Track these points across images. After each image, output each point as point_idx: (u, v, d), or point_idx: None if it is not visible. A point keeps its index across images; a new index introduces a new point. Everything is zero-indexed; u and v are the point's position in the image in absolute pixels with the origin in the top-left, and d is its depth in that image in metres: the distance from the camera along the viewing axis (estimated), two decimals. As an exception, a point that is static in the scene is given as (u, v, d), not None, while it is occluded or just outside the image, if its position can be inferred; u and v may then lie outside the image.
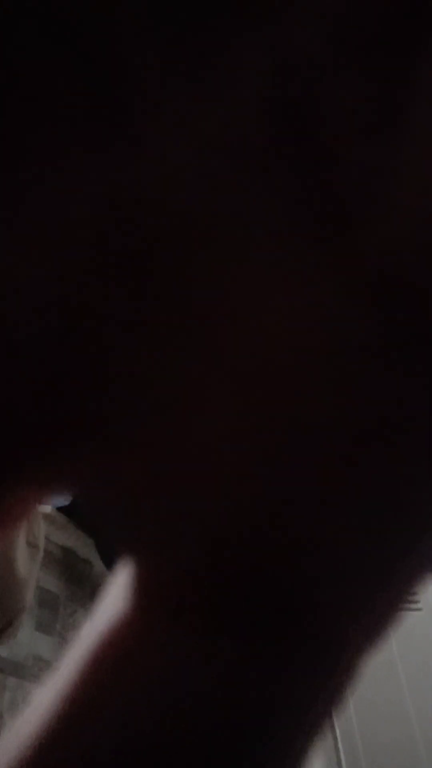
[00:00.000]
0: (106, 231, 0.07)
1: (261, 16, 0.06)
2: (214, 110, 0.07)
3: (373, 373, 0.08)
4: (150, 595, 0.09)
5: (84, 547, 1.58)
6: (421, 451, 0.08)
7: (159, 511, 0.08)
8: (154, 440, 0.08)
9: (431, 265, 0.07)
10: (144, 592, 0.09)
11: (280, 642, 0.08)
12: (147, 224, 0.07)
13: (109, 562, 1.42)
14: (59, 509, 1.38)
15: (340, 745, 1.16)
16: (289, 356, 0.07)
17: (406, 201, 0.07)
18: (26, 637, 1.61)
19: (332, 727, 1.14)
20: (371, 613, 0.09)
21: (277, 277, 0.07)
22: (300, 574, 0.08)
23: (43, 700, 0.09)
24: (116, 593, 0.09)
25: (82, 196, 0.07)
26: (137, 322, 0.07)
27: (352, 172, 0.07)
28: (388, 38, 0.06)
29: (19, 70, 0.06)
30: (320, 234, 0.07)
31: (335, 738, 1.19)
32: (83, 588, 1.70)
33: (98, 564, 1.61)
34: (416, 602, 1.30)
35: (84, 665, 0.09)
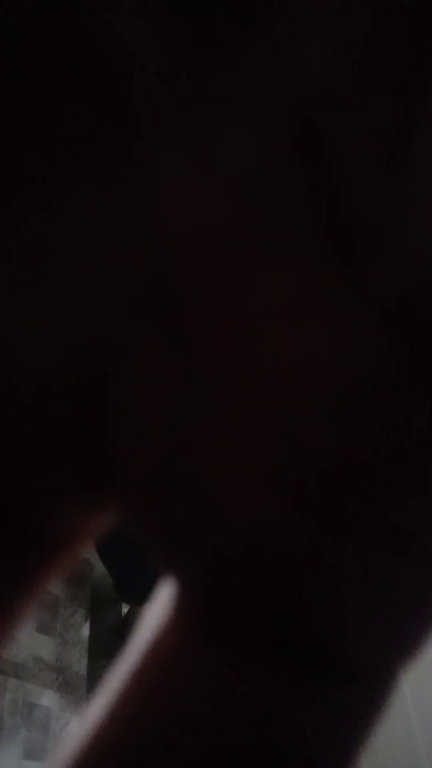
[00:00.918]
0: (126, 265, 0.07)
1: (274, 44, 0.06)
2: (227, 139, 0.07)
3: (392, 403, 0.08)
4: (187, 615, 0.09)
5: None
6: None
7: (192, 536, 0.08)
8: (186, 472, 0.08)
9: None
10: (182, 611, 0.09)
11: (313, 668, 0.09)
12: (166, 257, 0.07)
13: (109, 564, 1.42)
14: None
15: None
16: (311, 387, 0.08)
17: (416, 234, 0.07)
18: (26, 639, 1.61)
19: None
20: (402, 642, 0.09)
21: (298, 308, 0.07)
22: (327, 600, 0.08)
23: (90, 717, 0.09)
24: (158, 612, 0.09)
25: (93, 228, 0.07)
26: (156, 356, 0.07)
27: (365, 201, 0.07)
28: (404, 68, 0.06)
29: (33, 105, 0.06)
30: (335, 264, 0.07)
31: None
32: (83, 589, 1.70)
33: (98, 565, 1.61)
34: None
35: (127, 684, 0.09)
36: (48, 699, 1.58)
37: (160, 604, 0.09)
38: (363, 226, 0.07)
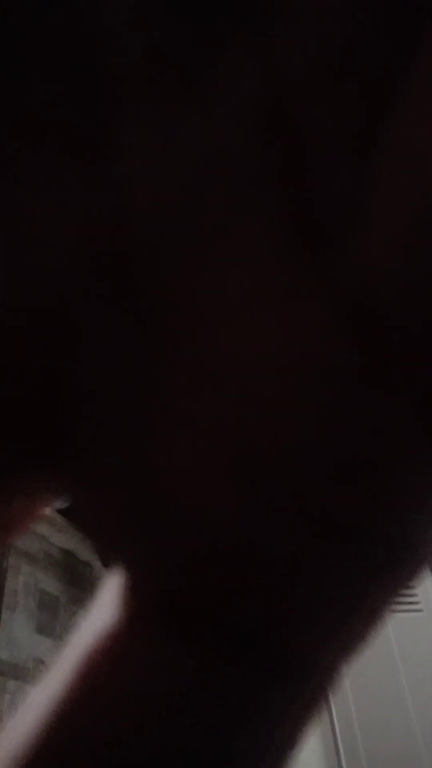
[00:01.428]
0: (86, 239, 0.07)
1: (252, 32, 0.06)
2: (200, 122, 0.07)
3: (353, 394, 0.07)
4: (137, 602, 0.09)
5: (84, 549, 1.58)
6: (396, 481, 0.08)
7: (142, 523, 0.08)
8: (137, 455, 0.08)
9: (401, 291, 0.07)
10: (132, 599, 0.09)
11: (257, 657, 0.09)
12: (127, 233, 0.07)
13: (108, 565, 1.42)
14: (59, 511, 1.38)
15: (340, 745, 1.16)
16: (268, 375, 0.07)
17: (382, 222, 0.07)
18: (26, 640, 1.61)
19: (332, 726, 1.14)
20: (342, 634, 0.09)
21: (258, 293, 0.07)
22: (273, 594, 0.08)
23: (36, 701, 0.09)
24: (107, 599, 0.09)
25: (62, 202, 0.07)
26: (115, 334, 0.07)
27: (330, 190, 0.07)
28: (374, 61, 0.06)
29: (3, 79, 0.06)
30: (302, 252, 0.07)
31: (335, 738, 1.19)
32: (84, 590, 1.70)
33: (98, 566, 1.61)
34: (417, 603, 1.30)
35: (76, 668, 0.09)
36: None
37: (108, 594, 0.09)
38: (328, 214, 0.07)
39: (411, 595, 1.27)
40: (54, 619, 1.72)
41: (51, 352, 0.07)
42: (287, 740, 0.09)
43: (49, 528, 1.43)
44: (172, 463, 0.08)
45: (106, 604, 0.09)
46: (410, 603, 1.26)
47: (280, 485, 0.08)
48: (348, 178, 0.07)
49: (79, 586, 1.70)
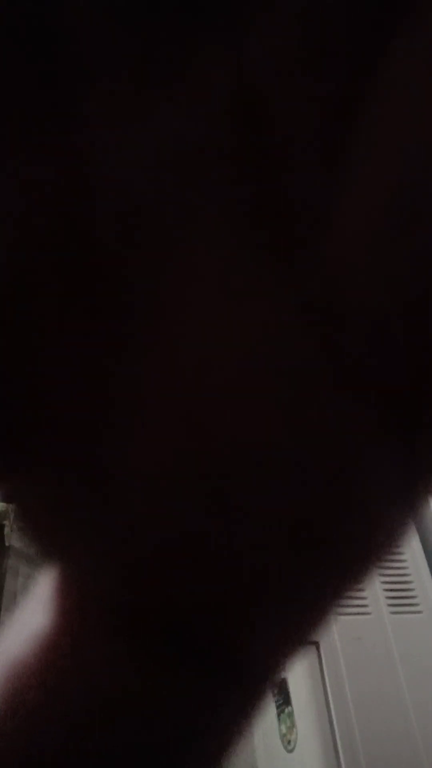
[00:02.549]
0: (44, 210, 0.07)
1: (223, 27, 0.06)
2: (168, 110, 0.06)
3: (317, 396, 0.07)
4: (78, 602, 0.09)
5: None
6: (360, 483, 0.08)
7: (90, 523, 0.08)
8: (89, 454, 0.07)
9: (368, 293, 0.07)
10: (73, 598, 0.09)
11: (207, 660, 0.08)
12: (87, 208, 0.07)
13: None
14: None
15: (339, 745, 1.16)
16: (231, 376, 0.07)
17: (350, 224, 0.07)
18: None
19: (332, 727, 1.13)
20: (291, 637, 0.09)
21: (223, 291, 0.07)
22: (224, 599, 0.08)
23: None
24: (41, 599, 0.09)
25: (17, 169, 0.06)
26: (69, 322, 0.07)
27: (300, 191, 0.07)
28: (342, 64, 0.06)
29: None
30: (269, 251, 0.07)
31: (334, 738, 1.19)
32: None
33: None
34: (416, 605, 1.29)
35: (10, 665, 0.09)
36: None
37: (42, 594, 0.09)
38: (296, 214, 0.07)
39: (410, 597, 1.26)
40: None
41: (3, 348, 0.07)
42: (231, 738, 0.09)
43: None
44: (125, 462, 0.08)
45: (39, 604, 0.09)
46: (410, 604, 1.26)
47: (234, 486, 0.08)
48: (318, 177, 0.07)
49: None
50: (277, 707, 1.16)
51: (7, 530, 1.37)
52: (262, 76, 0.06)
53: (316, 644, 1.13)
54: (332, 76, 0.06)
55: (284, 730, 1.14)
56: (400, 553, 1.30)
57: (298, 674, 1.13)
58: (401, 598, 1.26)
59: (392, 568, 1.29)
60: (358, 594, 1.22)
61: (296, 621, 0.08)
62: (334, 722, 1.13)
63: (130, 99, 0.06)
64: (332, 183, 0.07)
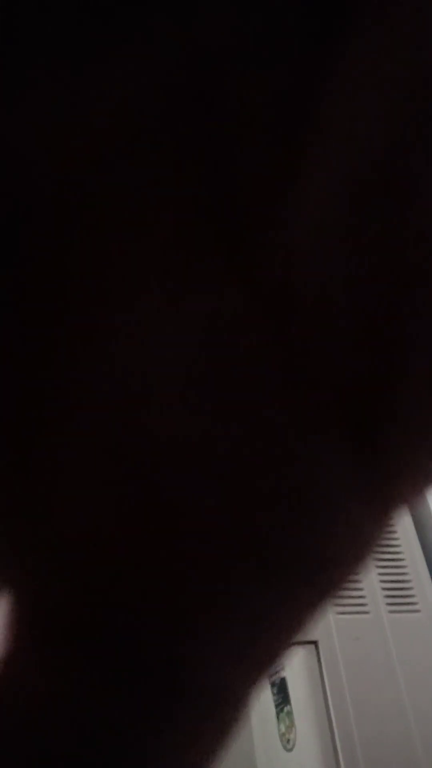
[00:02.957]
0: None
1: (168, 4, 0.06)
2: (117, 86, 0.06)
3: (272, 391, 0.07)
4: (18, 621, 0.08)
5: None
6: (316, 486, 0.07)
7: (23, 542, 0.08)
8: (19, 471, 0.07)
9: (324, 284, 0.07)
10: (13, 617, 0.08)
11: (160, 677, 0.08)
12: (23, 185, 0.06)
13: None
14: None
15: (338, 746, 1.16)
16: (179, 372, 0.07)
17: (303, 209, 0.06)
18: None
19: (330, 727, 1.13)
20: (255, 654, 0.08)
21: (171, 281, 0.07)
22: (174, 615, 0.08)
23: None
24: None
25: None
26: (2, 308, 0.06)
27: (252, 177, 0.06)
28: (295, 43, 0.06)
29: None
30: (221, 240, 0.07)
31: (333, 739, 1.19)
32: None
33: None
34: (414, 604, 1.29)
35: None
36: None
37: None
38: (248, 201, 0.06)
39: (409, 596, 1.26)
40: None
41: None
42: (202, 760, 0.08)
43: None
44: (59, 477, 0.07)
45: None
46: (408, 604, 1.26)
47: (177, 493, 0.07)
48: (270, 163, 0.06)
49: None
50: (276, 706, 1.16)
51: None
52: (212, 52, 0.06)
53: (315, 643, 1.13)
54: (286, 60, 0.06)
55: (283, 729, 1.14)
56: (398, 553, 1.30)
57: (296, 673, 1.13)
58: (400, 598, 1.26)
59: (391, 567, 1.29)
60: (357, 593, 1.22)
61: (254, 640, 0.08)
62: (333, 721, 1.13)
63: (70, 71, 0.06)
64: (283, 169, 0.06)
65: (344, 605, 1.15)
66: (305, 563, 0.07)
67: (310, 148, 0.06)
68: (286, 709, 1.15)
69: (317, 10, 0.06)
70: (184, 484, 0.07)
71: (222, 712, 0.08)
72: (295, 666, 1.12)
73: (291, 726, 1.14)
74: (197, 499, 0.07)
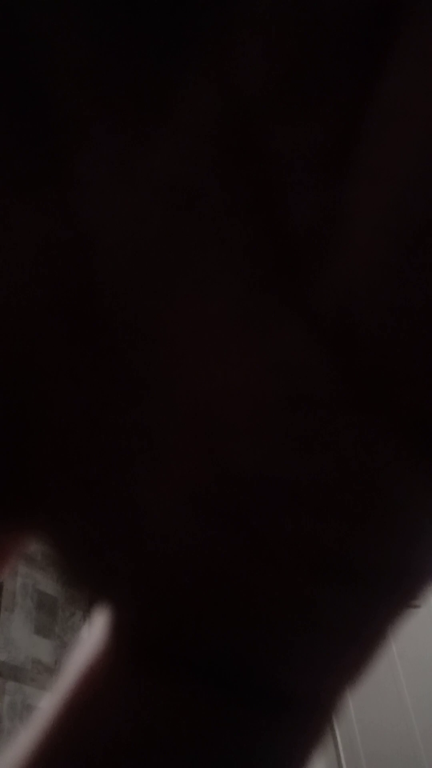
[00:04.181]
0: (43, 273, 0.07)
1: (210, 51, 0.06)
2: (158, 148, 0.06)
3: (336, 422, 0.07)
4: (115, 638, 0.08)
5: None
6: (386, 509, 0.07)
7: (118, 561, 0.08)
8: (112, 495, 0.08)
9: (383, 311, 0.07)
10: (113, 635, 0.09)
11: (245, 694, 0.08)
12: (88, 267, 0.07)
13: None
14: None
15: (339, 741, 1.16)
16: (247, 406, 0.07)
17: (357, 244, 0.07)
18: (25, 641, 1.61)
19: (332, 725, 1.14)
20: (340, 666, 0.08)
21: (232, 324, 0.07)
22: (261, 632, 0.08)
23: (27, 734, 0.09)
24: (93, 635, 0.09)
25: (13, 234, 0.07)
26: (78, 375, 0.07)
27: (303, 214, 0.07)
28: (337, 81, 0.06)
29: None
30: (274, 280, 0.07)
31: (334, 734, 1.19)
32: (82, 591, 1.69)
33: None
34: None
35: (61, 702, 0.09)
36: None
37: (95, 627, 0.09)
38: (301, 238, 0.07)
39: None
40: (52, 620, 1.71)
41: (18, 396, 0.07)
42: None
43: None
44: (149, 498, 0.07)
45: (91, 639, 0.09)
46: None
47: (262, 519, 0.07)
48: (320, 199, 0.07)
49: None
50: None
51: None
52: (252, 97, 0.06)
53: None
54: (328, 91, 0.06)
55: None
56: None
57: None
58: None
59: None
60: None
61: (340, 651, 0.08)
62: (332, 718, 1.13)
63: (120, 143, 0.06)
64: (340, 202, 0.07)
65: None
66: (387, 575, 0.08)
67: (361, 177, 0.06)
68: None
69: (358, 50, 0.06)
70: (269, 510, 0.07)
71: (313, 726, 0.09)
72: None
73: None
74: (283, 524, 0.07)
